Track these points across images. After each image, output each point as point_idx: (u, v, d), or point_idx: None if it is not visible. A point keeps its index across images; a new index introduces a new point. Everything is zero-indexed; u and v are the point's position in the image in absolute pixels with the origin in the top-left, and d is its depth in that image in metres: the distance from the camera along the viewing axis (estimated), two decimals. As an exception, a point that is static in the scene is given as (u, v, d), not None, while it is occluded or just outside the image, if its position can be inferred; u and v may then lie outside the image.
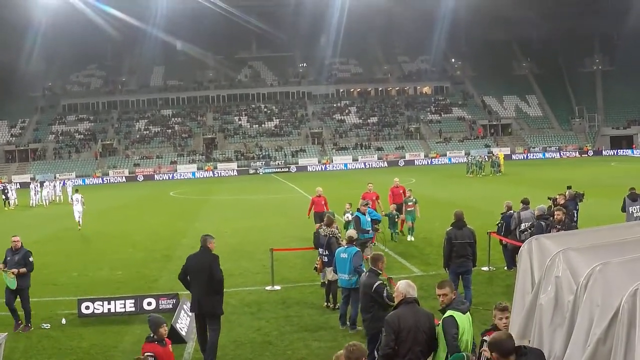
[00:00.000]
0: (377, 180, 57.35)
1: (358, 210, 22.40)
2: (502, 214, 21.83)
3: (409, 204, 28.72)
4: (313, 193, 31.96)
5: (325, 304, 17.78)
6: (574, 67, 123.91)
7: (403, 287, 9.76)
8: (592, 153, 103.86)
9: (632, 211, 22.37)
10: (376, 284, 11.89)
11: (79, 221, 38.22)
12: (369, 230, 22.05)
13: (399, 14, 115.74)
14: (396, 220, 28.21)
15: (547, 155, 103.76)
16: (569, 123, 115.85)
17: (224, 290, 14.21)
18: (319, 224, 22.09)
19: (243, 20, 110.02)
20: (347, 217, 23.89)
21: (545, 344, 7.42)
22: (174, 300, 17.48)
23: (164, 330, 10.42)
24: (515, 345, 7.20)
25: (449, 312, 9.53)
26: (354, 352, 7.45)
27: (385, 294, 11.86)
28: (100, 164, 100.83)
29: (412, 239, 28.11)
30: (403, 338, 9.13)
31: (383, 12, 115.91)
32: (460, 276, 16.60)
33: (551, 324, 7.45)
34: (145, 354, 9.91)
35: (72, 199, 43.46)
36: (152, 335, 10.31)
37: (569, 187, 25.16)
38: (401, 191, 30.39)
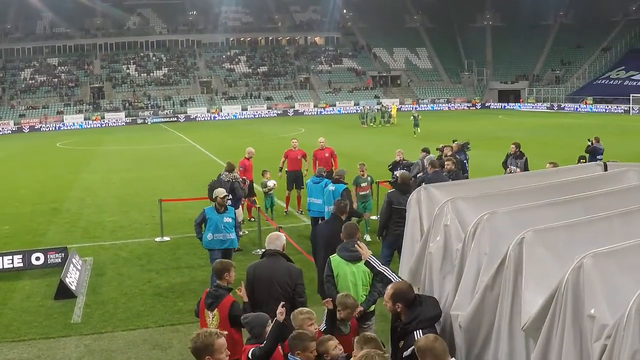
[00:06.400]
0: (266, 130, 57.09)
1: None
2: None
3: (363, 185, 19.12)
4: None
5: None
6: (465, 21, 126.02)
7: (267, 238, 9.67)
8: (480, 106, 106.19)
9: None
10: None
11: None
12: None
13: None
14: None
15: (435, 107, 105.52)
16: (458, 76, 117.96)
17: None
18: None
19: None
20: (273, 184, 21.78)
21: (436, 291, 7.52)
22: (63, 254, 17.21)
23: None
24: None
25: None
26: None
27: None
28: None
29: (369, 237, 18.60)
30: (257, 289, 9.12)
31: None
32: (396, 251, 13.48)
33: (441, 272, 7.55)
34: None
35: None
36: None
37: (454, 141, 25.29)
38: (327, 154, 23.07)
